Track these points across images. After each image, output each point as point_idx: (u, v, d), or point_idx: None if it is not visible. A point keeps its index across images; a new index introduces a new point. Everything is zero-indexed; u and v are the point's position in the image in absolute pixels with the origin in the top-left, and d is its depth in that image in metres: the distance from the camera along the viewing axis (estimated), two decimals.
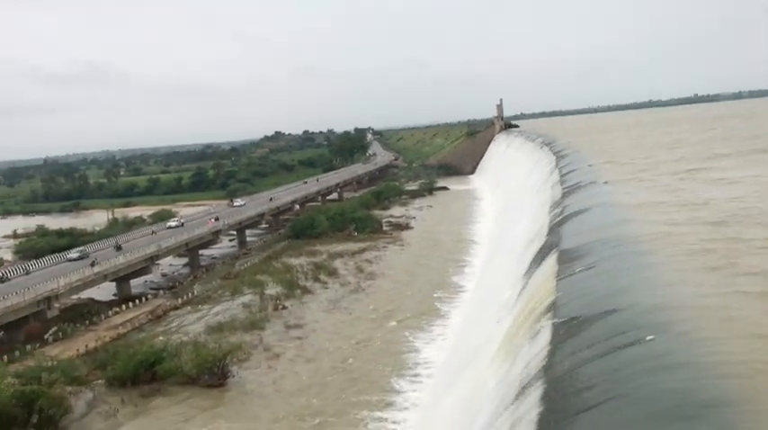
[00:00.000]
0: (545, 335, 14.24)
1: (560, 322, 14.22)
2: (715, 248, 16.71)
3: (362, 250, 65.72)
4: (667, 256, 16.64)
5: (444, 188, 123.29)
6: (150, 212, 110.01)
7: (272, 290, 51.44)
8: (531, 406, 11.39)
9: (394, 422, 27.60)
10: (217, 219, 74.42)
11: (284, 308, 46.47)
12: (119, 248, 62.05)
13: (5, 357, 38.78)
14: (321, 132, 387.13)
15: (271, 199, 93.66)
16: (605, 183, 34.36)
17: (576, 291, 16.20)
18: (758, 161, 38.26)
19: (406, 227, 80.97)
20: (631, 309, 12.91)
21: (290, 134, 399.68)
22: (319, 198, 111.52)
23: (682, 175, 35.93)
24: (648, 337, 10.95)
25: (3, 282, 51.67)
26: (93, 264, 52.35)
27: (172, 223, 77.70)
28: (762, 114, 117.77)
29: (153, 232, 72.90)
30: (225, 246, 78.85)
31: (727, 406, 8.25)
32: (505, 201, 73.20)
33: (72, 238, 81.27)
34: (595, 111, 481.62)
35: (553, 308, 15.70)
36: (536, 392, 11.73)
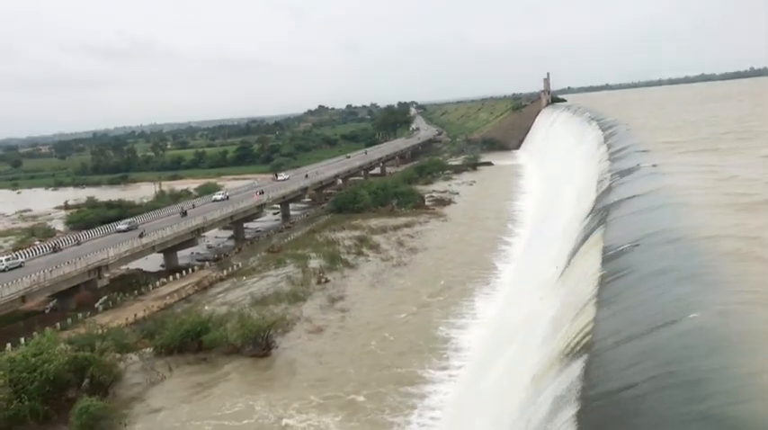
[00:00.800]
0: (590, 313, 14.05)
1: (605, 299, 14.01)
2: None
3: (404, 225, 65.72)
4: (713, 235, 16.20)
5: (488, 163, 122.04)
6: (196, 185, 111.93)
7: (315, 263, 51.98)
8: (574, 380, 11.29)
9: (434, 393, 27.74)
10: (262, 193, 75.28)
11: (327, 281, 46.92)
12: (184, 214, 65.66)
13: (58, 324, 40.23)
14: (364, 106, 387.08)
15: (306, 175, 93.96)
16: (654, 165, 33.45)
17: (621, 269, 15.90)
18: None
19: (449, 202, 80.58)
20: (676, 289, 12.63)
21: (333, 108, 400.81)
22: (362, 172, 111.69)
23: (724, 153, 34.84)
24: (691, 315, 10.72)
25: (56, 251, 53.43)
26: (141, 236, 53.62)
27: (217, 196, 78.96)
28: None
29: (193, 205, 74.25)
30: (269, 219, 79.80)
31: None
32: (551, 177, 72.10)
33: (121, 210, 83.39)
34: (646, 85, 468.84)
35: (599, 285, 15.46)
36: (578, 368, 11.62)
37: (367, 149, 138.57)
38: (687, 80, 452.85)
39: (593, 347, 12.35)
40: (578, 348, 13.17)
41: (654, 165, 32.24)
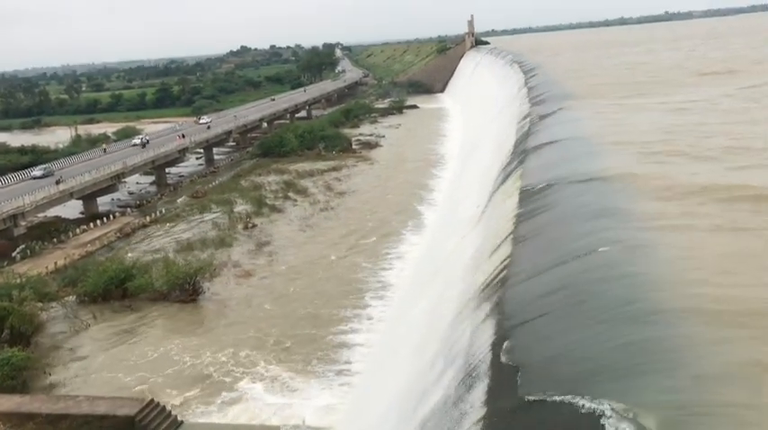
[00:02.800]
0: (506, 248, 14.79)
1: (522, 235, 14.75)
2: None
3: (332, 169, 65.72)
4: (618, 165, 17.18)
5: (414, 106, 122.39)
6: (114, 129, 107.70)
7: (241, 208, 51.58)
8: (491, 313, 11.99)
9: (364, 330, 28.57)
10: (183, 137, 73.35)
11: (254, 226, 46.74)
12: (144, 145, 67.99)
13: None
14: (289, 47, 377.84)
15: (235, 116, 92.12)
16: (567, 106, 34.50)
17: (538, 206, 16.69)
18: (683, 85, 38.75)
19: (376, 145, 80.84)
20: (590, 222, 13.42)
21: (256, 49, 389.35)
22: (288, 116, 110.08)
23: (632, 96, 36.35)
24: (602, 249, 11.48)
25: None
26: (58, 182, 51.62)
27: (136, 140, 76.30)
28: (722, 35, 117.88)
29: (104, 150, 71.75)
30: (192, 164, 78.06)
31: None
32: (474, 120, 73.21)
33: (35, 155, 79.57)
34: (567, 28, 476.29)
35: (516, 222, 16.21)
36: (495, 300, 12.32)
37: (306, 88, 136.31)
38: (606, 23, 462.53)
39: (509, 281, 13.06)
40: (496, 282, 13.89)
41: (568, 109, 33.40)
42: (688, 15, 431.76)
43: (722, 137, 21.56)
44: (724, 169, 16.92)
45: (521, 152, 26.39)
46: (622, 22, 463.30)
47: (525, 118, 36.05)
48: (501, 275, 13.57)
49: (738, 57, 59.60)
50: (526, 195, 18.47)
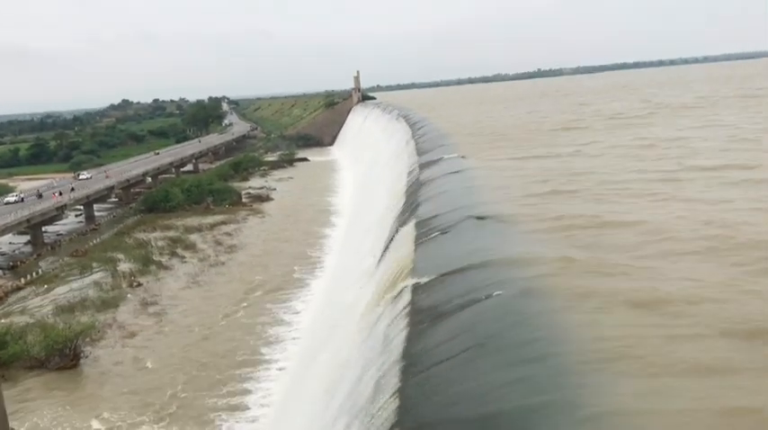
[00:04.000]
0: (406, 296, 15.03)
1: (419, 283, 15.06)
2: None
3: (221, 223, 64.43)
4: (508, 212, 18.10)
5: (304, 159, 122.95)
6: None
7: (126, 266, 49.28)
8: (394, 362, 12.09)
9: (256, 393, 27.77)
10: (61, 194, 69.69)
11: (139, 284, 44.74)
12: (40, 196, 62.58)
13: None
14: (173, 101, 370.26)
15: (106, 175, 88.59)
16: (460, 156, 35.96)
17: (433, 255, 17.16)
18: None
19: (267, 198, 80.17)
20: (483, 266, 13.96)
21: (138, 103, 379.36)
22: (173, 170, 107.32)
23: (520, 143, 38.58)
24: (496, 293, 11.96)
25: None
26: None
27: (10, 198, 71.68)
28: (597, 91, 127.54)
29: None
30: (71, 221, 74.01)
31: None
32: (364, 171, 74.48)
33: None
34: (448, 84, 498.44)
35: (412, 270, 16.54)
36: (398, 349, 12.45)
37: (201, 138, 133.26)
38: (486, 79, 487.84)
39: (411, 328, 13.25)
40: (397, 330, 14.04)
41: (460, 157, 34.82)
42: (558, 72, 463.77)
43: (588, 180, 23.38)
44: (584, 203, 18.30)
45: (412, 201, 27.10)
46: (500, 78, 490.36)
47: (414, 170, 37.13)
48: (403, 323, 13.75)
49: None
50: (421, 243, 18.94)
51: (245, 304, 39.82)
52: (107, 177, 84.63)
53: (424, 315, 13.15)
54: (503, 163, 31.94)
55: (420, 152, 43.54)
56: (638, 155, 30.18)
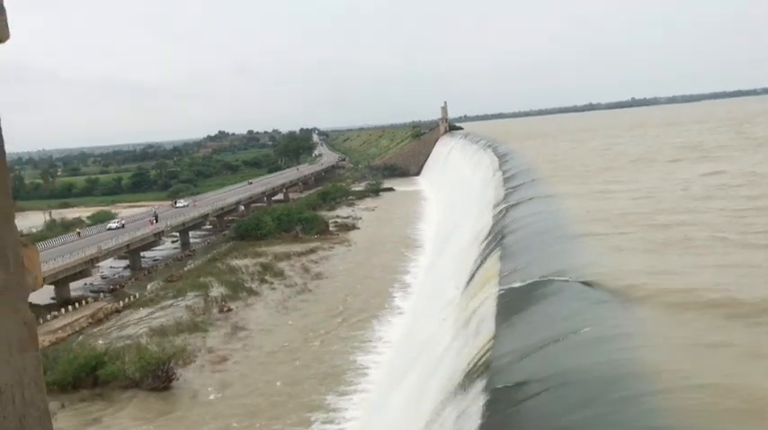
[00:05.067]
0: (489, 329, 14.73)
1: (503, 316, 14.75)
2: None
3: (309, 251, 65.63)
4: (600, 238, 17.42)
5: (390, 189, 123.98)
6: (89, 213, 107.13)
7: (217, 291, 50.90)
8: (476, 397, 11.82)
9: (342, 419, 27.83)
10: (156, 220, 73.25)
11: (229, 310, 46.07)
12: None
13: None
14: (266, 132, 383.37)
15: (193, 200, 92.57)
16: (549, 188, 35.19)
17: (518, 286, 16.76)
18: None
19: (353, 227, 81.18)
20: (573, 302, 13.51)
21: (234, 134, 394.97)
22: (265, 199, 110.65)
23: (600, 175, 37.32)
24: (584, 329, 11.51)
25: None
26: None
27: (112, 224, 75.91)
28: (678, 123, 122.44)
29: (78, 234, 71.40)
30: (168, 247, 77.43)
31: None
32: (450, 201, 74.23)
33: None
34: (537, 113, 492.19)
35: (496, 302, 16.22)
36: (482, 381, 12.18)
37: (299, 166, 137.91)
38: (575, 109, 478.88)
39: (493, 364, 12.96)
40: (479, 366, 13.76)
41: (541, 192, 34.05)
42: (654, 101, 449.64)
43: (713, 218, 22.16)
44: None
45: (498, 233, 26.70)
46: (591, 107, 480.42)
47: (501, 201, 36.65)
48: (485, 358, 13.46)
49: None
50: (506, 276, 18.57)
51: (330, 331, 40.22)
52: (195, 207, 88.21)
53: (508, 349, 12.83)
54: (597, 201, 31.00)
55: (507, 183, 42.99)
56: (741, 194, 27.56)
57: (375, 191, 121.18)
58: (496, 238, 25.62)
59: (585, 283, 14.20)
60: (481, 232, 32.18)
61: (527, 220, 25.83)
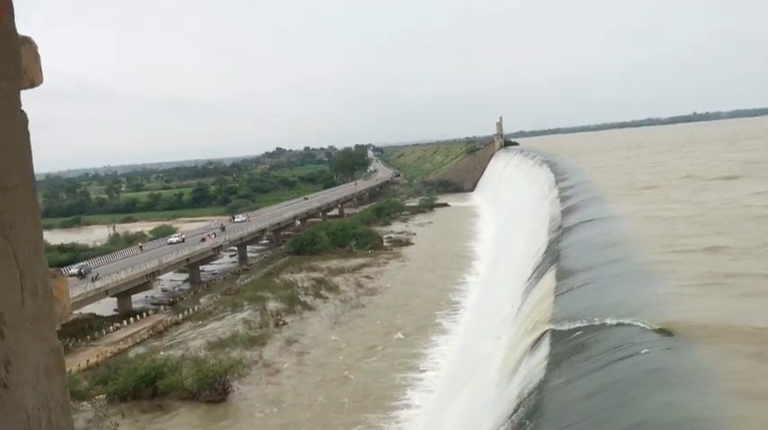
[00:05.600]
0: (543, 350, 14.46)
1: (558, 336, 14.45)
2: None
3: (363, 266, 65.93)
4: (662, 266, 16.88)
5: (445, 204, 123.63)
6: (151, 228, 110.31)
7: (273, 305, 51.61)
8: (529, 417, 11.62)
9: None
10: (222, 231, 75.15)
11: (285, 323, 46.62)
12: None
13: None
14: (322, 149, 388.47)
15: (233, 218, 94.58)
16: (608, 204, 34.46)
17: (573, 306, 16.42)
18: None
19: (407, 243, 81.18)
20: (629, 322, 13.13)
21: (291, 150, 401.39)
22: (320, 214, 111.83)
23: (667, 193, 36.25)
24: (644, 351, 11.17)
25: None
26: (94, 280, 52.50)
27: (173, 239, 77.99)
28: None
29: (140, 248, 73.63)
30: (226, 261, 79.03)
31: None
32: (505, 217, 73.47)
33: (73, 254, 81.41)
34: (595, 128, 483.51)
35: (551, 322, 15.92)
36: (533, 404, 11.96)
37: (357, 181, 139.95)
38: (635, 124, 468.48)
39: (548, 383, 12.71)
40: (534, 383, 13.53)
41: (599, 210, 33.31)
42: (716, 116, 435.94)
43: None
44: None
45: (554, 251, 26.25)
46: (651, 122, 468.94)
47: (556, 218, 36.08)
48: (539, 377, 13.22)
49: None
50: (561, 295, 18.23)
51: (382, 347, 40.21)
52: (249, 221, 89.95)
53: (562, 369, 12.57)
54: (658, 223, 30.18)
55: (563, 199, 42.28)
56: None
57: (429, 206, 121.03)
58: (552, 257, 25.21)
59: (661, 330, 11.97)
60: (536, 250, 31.74)
61: (583, 241, 25.32)
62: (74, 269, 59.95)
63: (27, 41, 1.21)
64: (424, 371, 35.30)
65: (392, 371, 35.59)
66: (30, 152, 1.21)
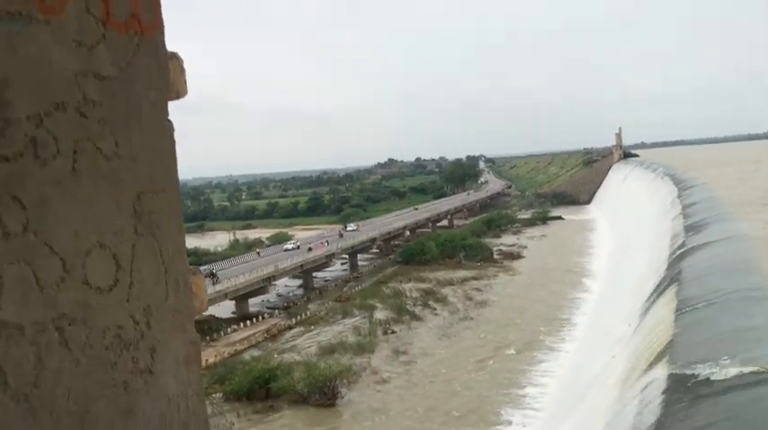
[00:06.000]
0: (662, 372, 13.75)
1: (678, 358, 13.70)
2: None
3: (472, 278, 65.36)
4: None
5: (558, 217, 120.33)
6: (268, 234, 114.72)
7: (382, 314, 52.17)
8: None
9: None
10: (340, 238, 77.14)
11: (393, 332, 47.02)
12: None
13: None
14: (433, 159, 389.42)
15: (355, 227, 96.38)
16: (737, 223, 32.35)
17: (695, 329, 15.52)
18: None
19: (518, 256, 79.70)
20: (753, 347, 12.26)
21: (402, 161, 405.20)
22: (430, 224, 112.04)
23: None
24: None
25: None
26: (215, 283, 55.16)
27: (288, 245, 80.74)
28: None
29: (258, 253, 76.70)
30: (337, 269, 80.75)
31: None
32: (623, 232, 70.55)
33: (197, 257, 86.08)
34: (724, 140, 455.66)
35: (671, 344, 15.12)
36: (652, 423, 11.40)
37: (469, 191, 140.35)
38: (765, 135, 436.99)
39: (666, 408, 12.09)
40: (651, 409, 12.89)
41: (728, 227, 31.27)
42: None
43: None
44: None
45: (676, 270, 24.92)
46: None
47: (679, 234, 34.23)
48: (657, 402, 12.59)
49: None
50: (683, 315, 17.27)
51: (490, 361, 39.64)
52: (358, 230, 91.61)
53: (682, 395, 11.89)
54: None
55: (686, 215, 40.08)
56: None
57: (542, 219, 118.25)
58: (673, 276, 23.95)
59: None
60: (656, 268, 30.26)
61: (708, 260, 23.88)
62: (203, 270, 63.16)
63: (174, 56, 1.35)
64: (532, 388, 34.46)
65: (500, 387, 34.99)
66: (175, 159, 1.35)
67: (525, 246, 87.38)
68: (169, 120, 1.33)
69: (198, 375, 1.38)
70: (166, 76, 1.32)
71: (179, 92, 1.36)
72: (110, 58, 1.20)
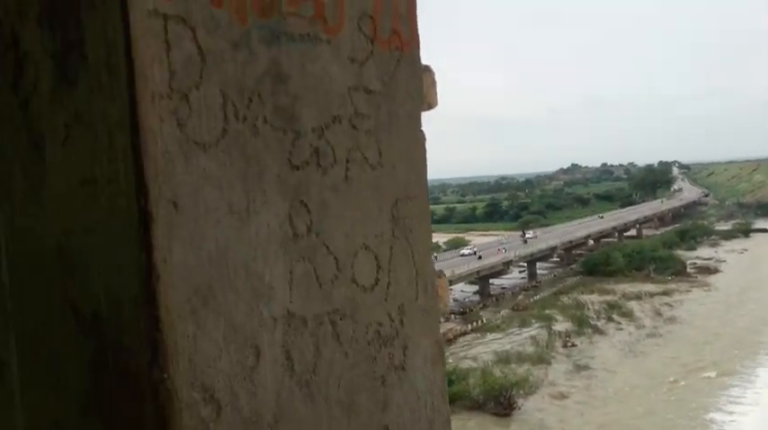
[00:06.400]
0: None
1: None
2: None
3: (662, 293, 61.36)
4: None
5: (763, 230, 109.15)
6: (445, 239, 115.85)
7: (561, 325, 50.55)
8: None
9: None
10: (524, 243, 76.31)
11: (573, 345, 45.42)
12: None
13: None
14: (621, 165, 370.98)
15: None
16: None
17: None
18: None
19: (715, 271, 73.63)
20: None
21: (586, 166, 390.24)
22: (616, 234, 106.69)
23: None
24: None
25: None
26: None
27: (465, 251, 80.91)
28: None
29: (435, 257, 77.51)
30: (514, 277, 79.51)
31: None
32: None
33: None
34: None
35: None
36: None
37: (631, 207, 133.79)
38: None
39: None
40: None
41: None
42: None
43: None
44: None
45: None
46: None
47: None
48: None
49: None
50: None
51: (682, 383, 36.92)
52: (535, 238, 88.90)
53: None
54: None
55: None
56: None
57: (744, 231, 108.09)
58: None
59: None
60: None
61: None
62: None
63: (428, 69, 1.46)
64: (728, 413, 31.54)
65: (690, 410, 32.46)
66: (426, 166, 1.45)
67: (724, 261, 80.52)
68: (421, 131, 1.43)
69: (442, 375, 1.46)
70: (421, 89, 1.43)
71: (431, 103, 1.47)
72: (376, 72, 1.32)
